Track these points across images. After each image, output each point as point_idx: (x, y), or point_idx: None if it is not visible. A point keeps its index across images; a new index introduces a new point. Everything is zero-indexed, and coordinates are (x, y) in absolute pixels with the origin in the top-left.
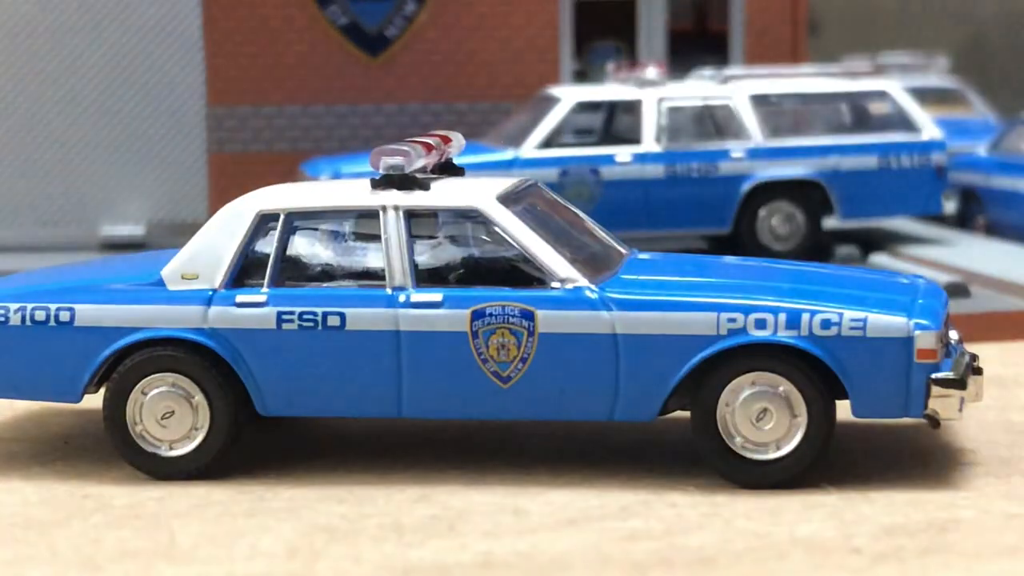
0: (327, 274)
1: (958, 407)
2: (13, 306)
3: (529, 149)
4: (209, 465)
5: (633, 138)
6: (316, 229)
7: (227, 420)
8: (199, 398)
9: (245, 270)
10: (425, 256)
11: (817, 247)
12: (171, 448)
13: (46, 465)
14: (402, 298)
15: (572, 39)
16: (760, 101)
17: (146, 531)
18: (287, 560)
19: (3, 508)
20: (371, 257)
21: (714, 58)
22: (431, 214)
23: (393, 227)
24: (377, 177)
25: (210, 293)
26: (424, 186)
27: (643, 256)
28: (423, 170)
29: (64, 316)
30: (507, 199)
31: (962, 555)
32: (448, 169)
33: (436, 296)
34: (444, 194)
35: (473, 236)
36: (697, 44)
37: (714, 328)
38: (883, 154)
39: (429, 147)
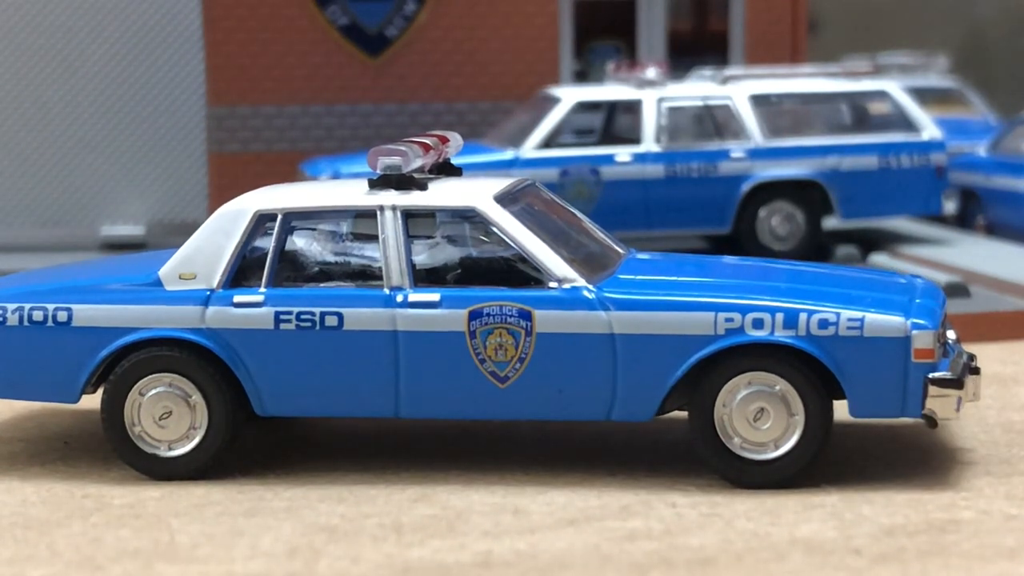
0: (325, 274)
1: (955, 407)
2: (11, 306)
3: (529, 149)
4: (208, 465)
5: (633, 138)
6: (314, 229)
7: (225, 420)
8: (197, 398)
9: (243, 270)
10: (423, 256)
11: (817, 247)
12: (170, 448)
13: (46, 465)
14: (400, 298)
15: (572, 39)
16: (760, 101)
17: (146, 531)
18: (287, 560)
19: (3, 508)
20: (368, 257)
21: (714, 58)
22: (429, 214)
23: (391, 227)
24: (375, 177)
25: (207, 293)
26: (422, 186)
27: (641, 256)
28: (421, 170)
29: (62, 316)
30: (504, 199)
31: (962, 556)
32: (446, 169)
33: (434, 296)
34: (442, 194)
35: (471, 236)
36: (697, 44)
37: (711, 328)
38: (883, 154)
39: (427, 147)
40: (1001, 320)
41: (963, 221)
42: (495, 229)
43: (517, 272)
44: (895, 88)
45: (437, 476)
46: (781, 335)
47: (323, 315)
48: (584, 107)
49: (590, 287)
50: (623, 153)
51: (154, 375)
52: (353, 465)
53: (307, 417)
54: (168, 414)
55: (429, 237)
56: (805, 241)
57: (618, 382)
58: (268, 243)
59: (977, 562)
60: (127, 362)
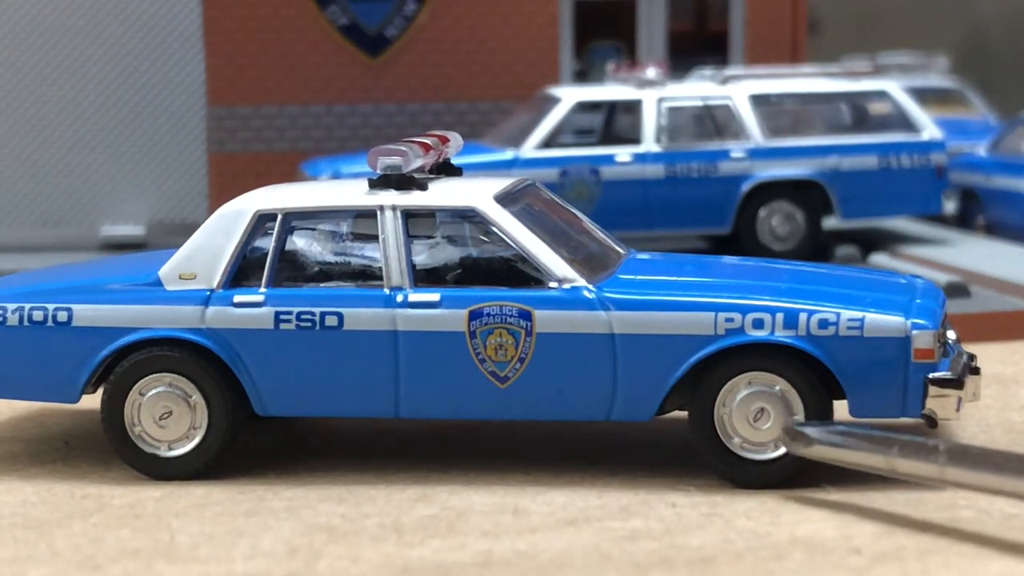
0: (325, 274)
1: (955, 407)
2: (11, 306)
3: (529, 149)
4: (208, 465)
5: (633, 138)
6: (314, 229)
7: (225, 420)
8: (197, 398)
9: (243, 270)
10: (423, 256)
11: (817, 247)
12: (170, 448)
13: (46, 465)
14: (400, 298)
15: (572, 39)
16: (760, 101)
17: (146, 531)
18: (287, 559)
19: (3, 508)
20: (369, 257)
21: (714, 58)
22: (429, 214)
23: (391, 227)
24: (375, 177)
25: (207, 293)
26: (422, 186)
27: (641, 256)
28: (421, 170)
29: (62, 316)
30: (504, 199)
31: (962, 555)
32: (446, 169)
33: (434, 296)
34: (442, 194)
35: (471, 236)
36: (697, 44)
37: (712, 328)
38: (883, 154)
39: (427, 147)
40: (1001, 320)
41: (963, 221)
42: (495, 229)
43: (517, 272)
44: (895, 88)
45: (437, 476)
46: (781, 335)
47: (323, 315)
48: (584, 107)
49: (590, 287)
50: (623, 153)
51: (154, 375)
52: (353, 465)
53: (307, 417)
54: (168, 414)
55: (429, 237)
56: (805, 241)
57: (618, 382)
58: (268, 243)
59: (977, 561)
60: (127, 362)
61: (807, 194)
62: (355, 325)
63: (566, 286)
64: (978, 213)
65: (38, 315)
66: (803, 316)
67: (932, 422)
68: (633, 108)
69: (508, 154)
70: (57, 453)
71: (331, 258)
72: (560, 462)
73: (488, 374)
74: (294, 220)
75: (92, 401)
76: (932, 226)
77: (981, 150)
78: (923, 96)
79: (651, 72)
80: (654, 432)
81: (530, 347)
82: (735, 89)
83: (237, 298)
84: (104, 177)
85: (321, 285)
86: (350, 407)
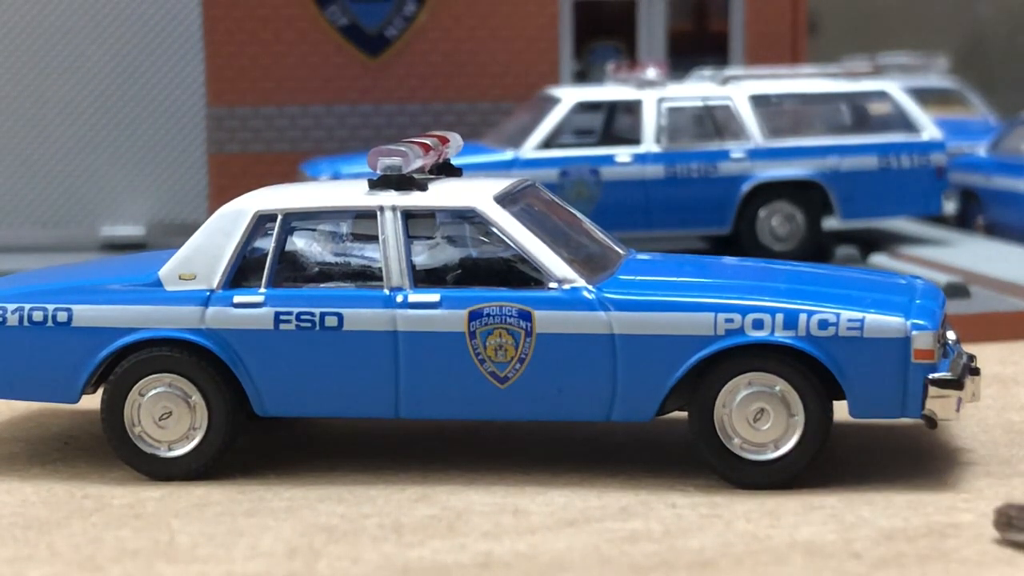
0: (324, 275)
1: (955, 407)
2: (11, 307)
3: (529, 149)
4: (207, 465)
5: (633, 138)
6: (314, 230)
7: (225, 420)
8: (196, 398)
9: (242, 271)
10: (423, 256)
11: (817, 247)
12: (170, 449)
13: (46, 465)
14: (400, 298)
15: (572, 39)
16: (760, 101)
17: (146, 531)
18: (287, 560)
19: (3, 508)
20: (368, 257)
21: (714, 58)
22: (429, 214)
23: (391, 227)
24: (375, 178)
25: (207, 293)
26: (422, 187)
27: (641, 256)
28: (421, 171)
29: (62, 317)
30: (504, 199)
31: (962, 562)
32: (446, 170)
33: (434, 296)
34: (441, 194)
35: (471, 236)
36: (697, 44)
37: (711, 328)
38: (883, 154)
39: (427, 147)
40: (1001, 320)
41: (963, 221)
42: (495, 229)
43: (517, 273)
44: (895, 88)
45: (437, 476)
46: (781, 336)
47: (323, 315)
48: (584, 107)
49: (590, 288)
50: (623, 153)
51: (154, 375)
52: (353, 465)
53: (307, 417)
54: (168, 414)
55: (429, 237)
56: (805, 241)
57: (618, 382)
58: (268, 243)
59: (976, 568)
60: (127, 362)
61: (807, 194)
62: (355, 325)
63: (566, 287)
64: (978, 213)
65: (38, 315)
66: (803, 317)
67: (932, 423)
68: (633, 108)
69: (508, 154)
70: (57, 453)
71: (331, 258)
72: (560, 462)
73: (488, 374)
74: (294, 220)
75: (92, 401)
76: (932, 226)
77: (981, 150)
78: (923, 96)
79: (651, 72)
80: (654, 432)
81: (530, 347)
82: (735, 89)
83: (237, 298)
84: (104, 177)
85: (321, 285)
86: (350, 407)
